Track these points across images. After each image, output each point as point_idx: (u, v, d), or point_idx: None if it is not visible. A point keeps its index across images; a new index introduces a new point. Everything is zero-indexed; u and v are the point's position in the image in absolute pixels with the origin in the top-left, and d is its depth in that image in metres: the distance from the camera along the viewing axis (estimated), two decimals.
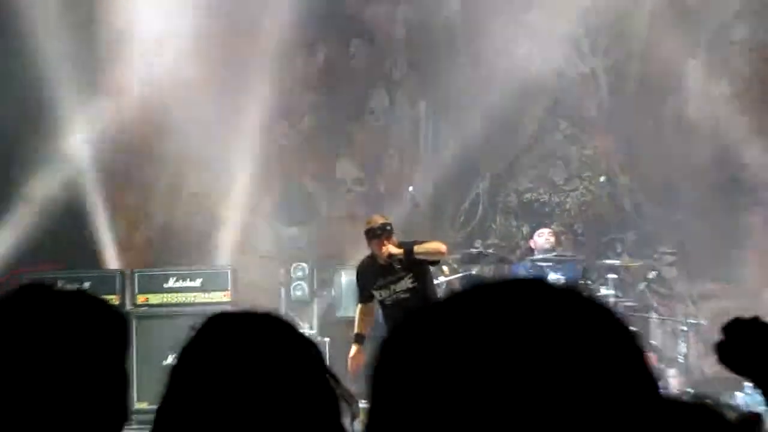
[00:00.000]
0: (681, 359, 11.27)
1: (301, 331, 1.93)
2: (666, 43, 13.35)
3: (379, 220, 9.75)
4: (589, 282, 11.50)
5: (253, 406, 1.84)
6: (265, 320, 1.92)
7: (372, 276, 9.69)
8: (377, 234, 9.52)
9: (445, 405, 0.92)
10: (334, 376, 1.89)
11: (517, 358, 0.91)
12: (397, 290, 9.46)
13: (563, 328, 0.95)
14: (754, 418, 2.28)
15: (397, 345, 1.01)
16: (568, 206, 13.07)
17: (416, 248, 9.53)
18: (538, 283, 1.02)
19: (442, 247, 10.01)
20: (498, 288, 1.02)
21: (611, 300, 11.09)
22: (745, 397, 8.11)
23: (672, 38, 13.36)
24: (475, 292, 1.02)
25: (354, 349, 9.40)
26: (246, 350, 1.85)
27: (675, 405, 1.87)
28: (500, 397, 0.91)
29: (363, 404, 1.34)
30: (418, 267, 9.52)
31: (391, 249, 9.41)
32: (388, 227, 9.63)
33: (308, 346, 1.91)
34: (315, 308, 11.81)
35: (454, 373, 0.92)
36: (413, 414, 0.92)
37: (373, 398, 0.97)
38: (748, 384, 4.51)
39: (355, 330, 9.71)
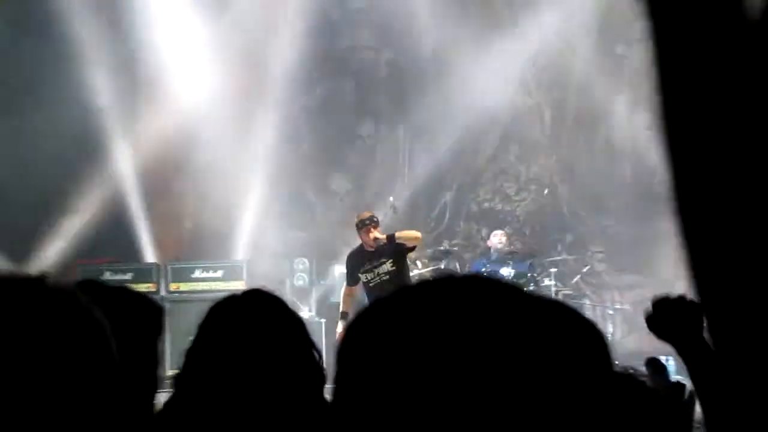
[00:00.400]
0: (609, 338, 11.77)
1: (301, 312, 2.66)
2: (598, 81, 13.97)
3: (366, 214, 10.44)
4: (535, 274, 12.17)
5: (252, 362, 2.12)
6: (263, 298, 2.25)
7: (359, 262, 10.29)
8: (365, 224, 10.17)
9: (397, 380, 0.98)
10: (314, 345, 2.27)
11: (464, 338, 0.97)
12: (379, 273, 10.08)
13: (500, 315, 1.01)
14: (680, 386, 2.77)
15: (359, 328, 1.08)
16: (518, 213, 13.80)
17: (397, 234, 10.30)
18: (481, 278, 1.09)
19: (419, 234, 10.85)
20: (445, 282, 1.09)
21: (553, 289, 12.00)
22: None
23: (603, 77, 14.01)
24: (426, 286, 1.09)
25: (340, 325, 9.75)
26: (247, 320, 2.18)
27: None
28: (448, 370, 0.97)
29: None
30: (398, 254, 10.18)
31: (377, 234, 10.12)
32: (375, 219, 10.33)
33: (295, 318, 2.26)
34: (313, 294, 12.57)
35: (406, 353, 0.99)
36: (368, 387, 0.99)
37: (337, 374, 1.04)
38: (668, 357, 5.11)
39: (341, 309, 10.30)
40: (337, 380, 1.03)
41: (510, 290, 1.03)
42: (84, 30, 13.77)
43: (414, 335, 0.97)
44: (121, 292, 2.11)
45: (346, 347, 1.03)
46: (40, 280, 1.45)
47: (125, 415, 1.73)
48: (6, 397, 1.32)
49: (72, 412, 1.37)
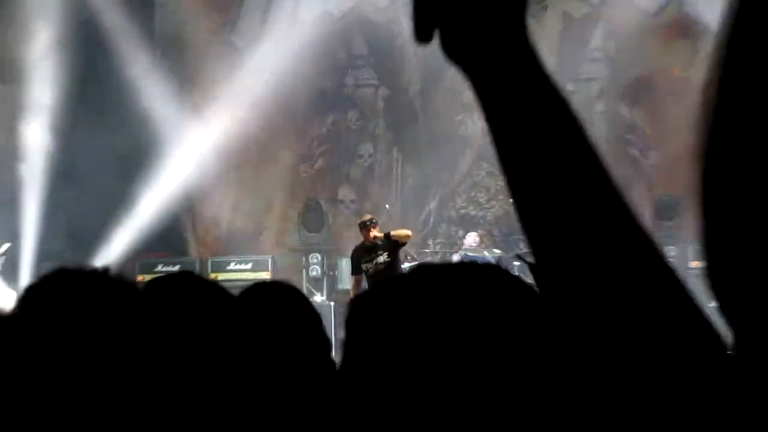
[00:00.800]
0: None
1: (314, 297, 2.98)
2: None
3: (367, 217, 11.31)
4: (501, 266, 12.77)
5: (272, 337, 2.15)
6: (282, 286, 2.33)
7: (361, 255, 11.01)
8: (366, 224, 10.95)
9: (396, 343, 1.07)
10: (321, 321, 2.32)
11: (454, 307, 1.05)
12: (377, 263, 10.77)
13: (483, 287, 1.10)
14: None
15: (364, 303, 1.20)
16: (488, 218, 14.52)
17: (392, 232, 11.02)
18: (466, 264, 1.23)
19: (409, 232, 11.52)
20: (437, 267, 1.21)
21: None
22: None
23: None
24: (423, 270, 1.17)
25: None
26: (270, 304, 2.22)
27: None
28: (439, 332, 1.05)
29: None
30: (392, 248, 10.86)
31: (375, 233, 10.91)
32: (374, 220, 11.14)
33: (308, 304, 2.32)
34: (325, 283, 13.26)
35: (405, 323, 1.07)
36: (372, 351, 1.07)
37: (345, 339, 1.12)
38: None
39: (351, 295, 10.81)
40: (345, 344, 1.13)
41: (491, 270, 1.12)
42: (145, 67, 14.22)
43: (413, 306, 1.07)
44: (212, 283, 2.37)
45: (351, 318, 1.14)
46: (105, 272, 1.59)
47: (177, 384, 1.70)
48: (73, 366, 1.43)
49: (123, 382, 1.47)
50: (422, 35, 0.83)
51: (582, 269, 0.80)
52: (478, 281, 1.09)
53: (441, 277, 1.12)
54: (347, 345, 1.12)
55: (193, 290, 2.20)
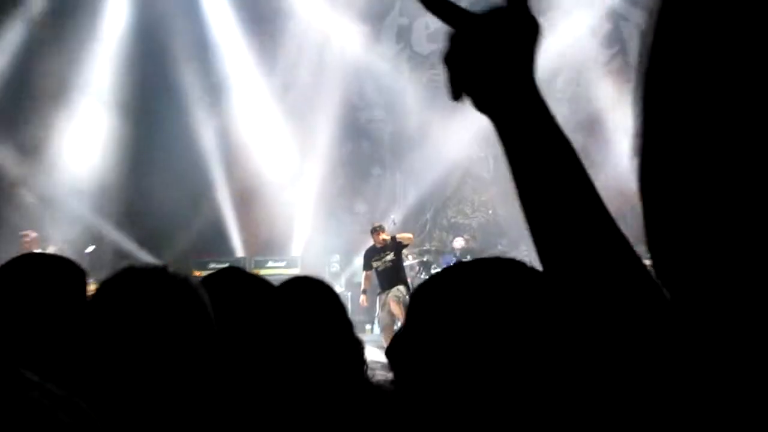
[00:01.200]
0: None
1: (335, 287, 2.42)
2: None
3: (377, 224, 11.65)
4: None
5: (310, 320, 2.16)
6: (314, 280, 2.31)
7: (372, 254, 11.28)
8: (376, 230, 11.33)
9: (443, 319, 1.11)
10: (344, 308, 2.32)
11: (490, 295, 1.09)
12: (385, 261, 11.04)
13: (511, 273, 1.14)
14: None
15: (422, 288, 1.21)
16: (473, 225, 15.03)
17: (397, 236, 11.50)
18: (495, 260, 1.21)
19: (411, 236, 12.09)
20: (477, 263, 1.22)
21: None
22: None
23: None
24: (463, 266, 1.23)
25: (362, 297, 11.05)
26: (301, 294, 2.23)
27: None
28: (479, 314, 1.08)
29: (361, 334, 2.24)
30: (397, 249, 11.21)
31: (383, 236, 11.27)
32: (382, 226, 11.54)
33: (335, 293, 2.32)
34: (343, 277, 13.62)
35: (451, 304, 1.12)
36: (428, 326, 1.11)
37: (407, 317, 1.16)
38: None
39: (362, 287, 11.40)
40: (408, 320, 1.18)
41: (513, 263, 1.16)
42: (196, 103, 14.55)
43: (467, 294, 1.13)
44: (260, 278, 2.27)
45: (415, 297, 1.20)
46: (162, 269, 1.67)
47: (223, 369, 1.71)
48: (137, 348, 1.51)
49: (181, 364, 1.55)
50: (455, 97, 0.90)
51: (574, 270, 0.82)
52: (506, 273, 1.16)
53: (478, 270, 1.20)
54: (410, 320, 1.18)
55: (243, 281, 2.22)
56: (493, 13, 0.88)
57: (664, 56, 0.68)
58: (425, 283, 1.24)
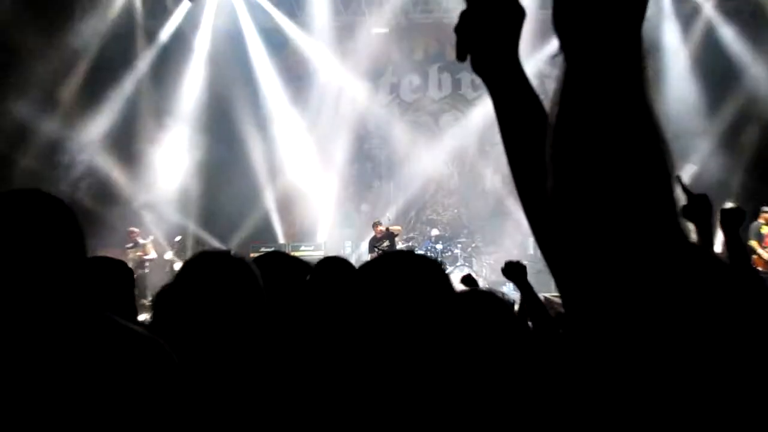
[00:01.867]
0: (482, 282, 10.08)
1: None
2: (479, 162, 14.47)
3: (376, 220, 12.07)
4: (451, 247, 13.25)
5: (337, 285, 2.12)
6: (339, 259, 2.36)
7: (374, 242, 11.60)
8: (375, 224, 11.76)
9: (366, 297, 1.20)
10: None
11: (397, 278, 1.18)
12: (382, 247, 11.25)
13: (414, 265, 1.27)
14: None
15: (361, 270, 1.34)
16: (444, 221, 14.67)
17: (391, 227, 11.87)
18: (405, 252, 1.31)
19: (399, 228, 12.60)
20: (395, 254, 1.34)
21: (457, 253, 13.17)
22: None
23: (481, 161, 14.25)
24: (390, 256, 1.37)
25: None
26: (333, 266, 2.29)
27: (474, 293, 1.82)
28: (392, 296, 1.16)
29: None
30: (391, 238, 11.58)
31: (380, 229, 11.65)
32: (380, 222, 11.91)
33: (352, 266, 2.32)
34: (353, 257, 12.72)
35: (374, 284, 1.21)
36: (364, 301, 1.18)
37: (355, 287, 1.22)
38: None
39: None
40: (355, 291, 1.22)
41: (416, 257, 1.23)
42: (251, 132, 14.46)
43: (383, 271, 1.24)
44: (299, 260, 2.33)
45: (359, 275, 1.31)
46: (227, 252, 1.72)
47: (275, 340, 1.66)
48: (209, 307, 1.50)
49: (239, 319, 1.56)
50: (460, 58, 0.90)
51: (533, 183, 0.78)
52: (404, 261, 1.29)
53: (392, 259, 1.34)
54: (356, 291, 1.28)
55: (285, 259, 2.22)
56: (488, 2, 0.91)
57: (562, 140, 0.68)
58: (367, 263, 1.46)
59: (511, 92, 0.91)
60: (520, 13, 0.93)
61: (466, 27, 0.93)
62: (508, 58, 0.92)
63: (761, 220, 9.89)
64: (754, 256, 9.62)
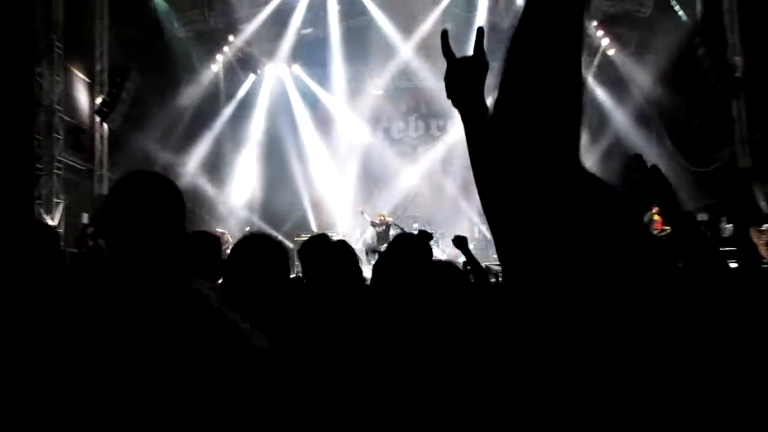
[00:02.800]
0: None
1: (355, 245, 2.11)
2: (450, 184, 14.09)
3: (379, 214, 12.41)
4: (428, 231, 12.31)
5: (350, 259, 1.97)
6: (341, 243, 2.14)
7: (374, 225, 12.02)
8: (379, 215, 12.17)
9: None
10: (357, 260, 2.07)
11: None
12: (379, 232, 11.68)
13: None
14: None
15: (387, 251, 1.44)
16: (420, 216, 14.05)
17: (386, 218, 12.23)
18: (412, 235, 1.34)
19: (392, 219, 12.54)
20: (403, 237, 1.35)
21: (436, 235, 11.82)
22: None
23: (457, 180, 13.81)
24: (398, 238, 1.45)
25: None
26: (341, 247, 2.11)
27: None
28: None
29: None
30: (386, 225, 11.99)
31: (381, 218, 12.16)
32: (382, 214, 12.15)
33: (350, 249, 2.12)
34: (360, 240, 12.86)
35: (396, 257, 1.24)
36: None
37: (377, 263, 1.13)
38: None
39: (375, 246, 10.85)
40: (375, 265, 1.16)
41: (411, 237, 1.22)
42: (295, 157, 14.75)
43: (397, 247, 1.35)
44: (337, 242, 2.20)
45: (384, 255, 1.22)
46: (269, 236, 1.65)
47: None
48: (251, 270, 1.41)
49: (272, 279, 1.47)
50: (448, 97, 0.93)
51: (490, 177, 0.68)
52: (413, 240, 1.33)
53: (407, 239, 1.36)
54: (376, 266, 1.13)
55: (328, 241, 2.17)
56: (466, 58, 0.96)
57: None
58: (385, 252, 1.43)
59: (476, 118, 0.94)
60: (484, 67, 0.97)
61: (449, 76, 0.97)
62: (475, 96, 0.96)
63: (653, 211, 9.53)
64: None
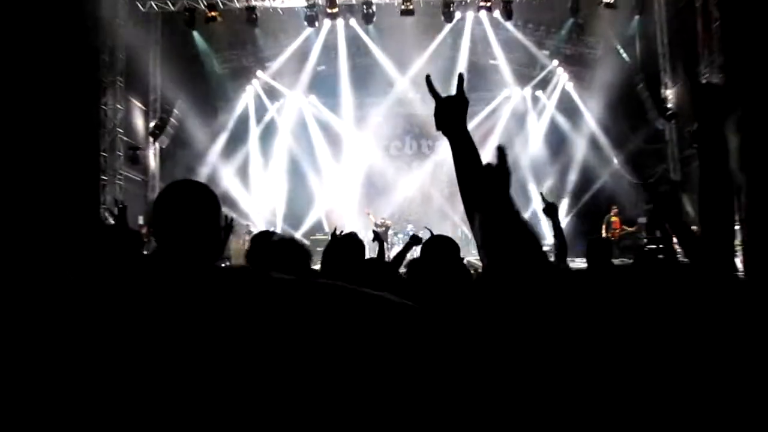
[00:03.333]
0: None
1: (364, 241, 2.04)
2: (437, 198, 14.11)
3: (382, 218, 12.25)
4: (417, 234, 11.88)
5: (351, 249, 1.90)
6: (353, 236, 2.06)
7: (375, 227, 11.40)
8: (382, 219, 12.09)
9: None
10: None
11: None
12: (380, 231, 8.94)
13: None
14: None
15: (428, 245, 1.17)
16: (414, 220, 13.65)
17: (385, 221, 12.30)
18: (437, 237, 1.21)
19: (390, 222, 12.69)
20: (434, 238, 1.12)
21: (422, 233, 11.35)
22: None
23: (439, 196, 14.07)
24: (436, 238, 1.20)
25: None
26: (352, 238, 2.07)
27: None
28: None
29: None
30: (386, 227, 11.99)
31: (381, 221, 12.05)
32: (384, 219, 12.19)
33: (359, 240, 2.06)
34: (364, 239, 11.38)
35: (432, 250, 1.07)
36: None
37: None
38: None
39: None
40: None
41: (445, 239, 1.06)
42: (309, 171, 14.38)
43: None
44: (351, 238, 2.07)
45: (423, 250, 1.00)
46: (292, 238, 1.62)
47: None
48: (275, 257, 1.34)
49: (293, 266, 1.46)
50: (437, 128, 0.92)
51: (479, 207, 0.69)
52: (442, 241, 1.13)
53: (440, 240, 1.22)
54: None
55: (356, 240, 2.07)
56: (449, 96, 0.96)
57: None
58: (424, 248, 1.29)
59: (461, 144, 0.95)
60: (465, 104, 0.98)
61: (437, 111, 0.98)
62: (459, 127, 0.97)
63: (612, 213, 9.64)
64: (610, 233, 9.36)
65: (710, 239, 0.78)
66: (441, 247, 1.81)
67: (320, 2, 11.63)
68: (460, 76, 1.03)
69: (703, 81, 1.22)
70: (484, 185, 0.80)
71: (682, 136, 10.99)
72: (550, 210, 2.62)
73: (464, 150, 0.94)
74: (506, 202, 0.79)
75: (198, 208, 1.08)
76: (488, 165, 0.85)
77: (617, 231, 9.66)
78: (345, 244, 2.02)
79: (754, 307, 0.49)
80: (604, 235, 9.44)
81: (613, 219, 9.80)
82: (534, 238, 0.73)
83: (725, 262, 0.70)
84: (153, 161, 12.69)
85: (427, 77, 1.05)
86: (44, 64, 7.31)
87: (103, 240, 1.63)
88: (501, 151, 0.85)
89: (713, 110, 1.06)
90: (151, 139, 12.65)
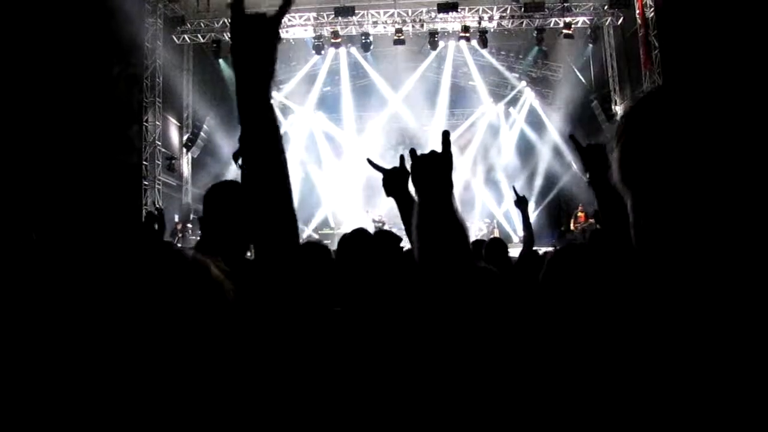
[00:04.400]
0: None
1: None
2: None
3: (379, 216, 11.52)
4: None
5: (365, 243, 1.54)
6: (362, 231, 1.65)
7: (374, 223, 10.87)
8: (380, 218, 11.44)
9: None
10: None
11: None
12: (378, 227, 10.10)
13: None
14: None
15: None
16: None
17: (383, 219, 11.23)
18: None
19: (385, 220, 11.46)
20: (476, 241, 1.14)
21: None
22: None
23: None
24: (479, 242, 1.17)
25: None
26: (361, 233, 1.65)
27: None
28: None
29: None
30: (383, 224, 11.06)
31: (379, 218, 11.32)
32: (382, 216, 11.39)
33: (369, 235, 1.66)
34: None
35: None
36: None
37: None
38: None
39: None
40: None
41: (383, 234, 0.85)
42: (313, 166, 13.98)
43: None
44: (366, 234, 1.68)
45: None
46: (317, 242, 1.54)
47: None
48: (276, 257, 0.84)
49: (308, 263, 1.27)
50: (388, 193, 0.89)
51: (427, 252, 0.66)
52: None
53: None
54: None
55: (367, 234, 1.66)
56: (393, 169, 0.94)
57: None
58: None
59: (408, 204, 0.96)
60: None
61: (385, 181, 0.98)
62: (404, 191, 0.92)
63: (579, 209, 9.72)
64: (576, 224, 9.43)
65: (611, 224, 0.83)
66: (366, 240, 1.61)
67: (326, 34, 11.89)
68: (445, 134, 0.90)
69: (584, 144, 1.27)
70: (430, 169, 0.76)
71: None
72: (521, 202, 2.51)
73: (407, 208, 0.98)
74: (447, 184, 0.76)
75: (234, 202, 1.12)
76: (433, 151, 0.81)
77: (580, 224, 10.01)
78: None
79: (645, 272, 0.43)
80: (572, 227, 9.94)
81: (579, 214, 10.17)
82: (461, 225, 0.70)
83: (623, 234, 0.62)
84: (186, 169, 12.93)
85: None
86: (97, 88, 8.05)
87: (142, 233, 1.65)
88: (445, 137, 0.81)
89: (597, 162, 1.19)
90: (184, 150, 12.89)
